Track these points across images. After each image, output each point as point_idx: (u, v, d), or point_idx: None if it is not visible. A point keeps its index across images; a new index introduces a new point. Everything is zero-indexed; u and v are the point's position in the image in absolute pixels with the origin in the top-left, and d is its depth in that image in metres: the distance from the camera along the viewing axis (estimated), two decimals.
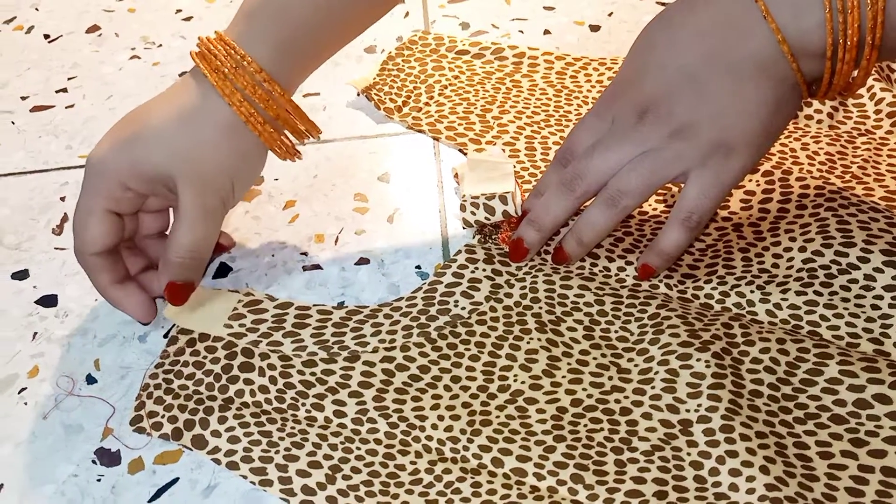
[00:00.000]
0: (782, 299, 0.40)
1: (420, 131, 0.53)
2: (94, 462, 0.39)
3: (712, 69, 0.38)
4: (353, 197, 0.50)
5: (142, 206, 0.43)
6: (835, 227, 0.41)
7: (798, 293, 0.40)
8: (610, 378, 0.39)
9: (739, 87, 0.37)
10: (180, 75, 0.60)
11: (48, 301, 0.46)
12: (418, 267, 0.46)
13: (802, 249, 0.42)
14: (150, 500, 0.38)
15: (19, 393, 0.42)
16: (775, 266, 0.42)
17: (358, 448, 0.38)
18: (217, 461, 0.38)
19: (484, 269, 0.44)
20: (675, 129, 0.38)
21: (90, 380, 0.42)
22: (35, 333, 0.45)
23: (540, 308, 0.42)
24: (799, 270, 0.41)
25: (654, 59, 0.39)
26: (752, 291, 0.41)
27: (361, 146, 0.53)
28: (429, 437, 0.38)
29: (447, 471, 0.37)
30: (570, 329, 0.41)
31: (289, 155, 0.43)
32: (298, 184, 0.51)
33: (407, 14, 0.63)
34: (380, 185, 0.51)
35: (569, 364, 0.40)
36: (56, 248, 0.49)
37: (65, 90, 0.60)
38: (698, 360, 0.38)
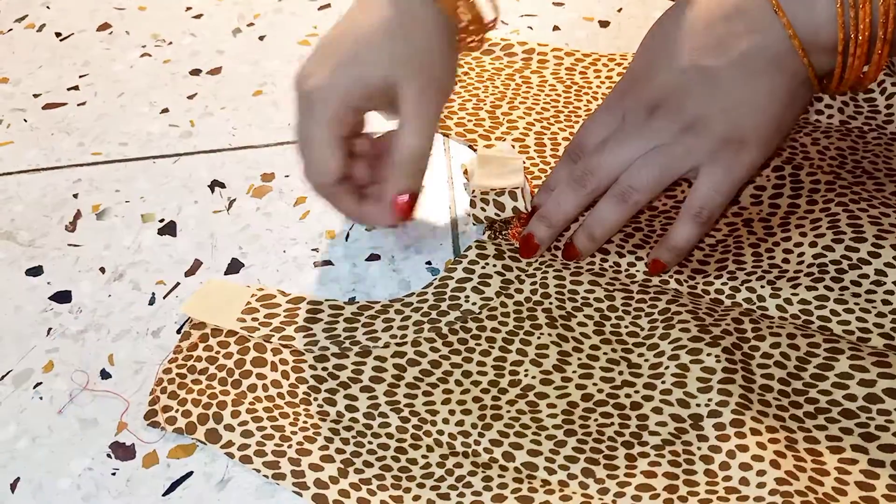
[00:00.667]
0: (793, 294, 0.40)
1: None
2: (108, 456, 0.40)
3: (723, 64, 0.38)
4: None
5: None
6: (845, 223, 0.41)
7: (808, 288, 0.40)
8: (620, 373, 0.39)
9: (750, 81, 0.37)
10: (191, 72, 0.60)
11: (62, 297, 0.47)
12: (429, 263, 0.46)
13: (813, 245, 0.42)
14: (164, 494, 0.38)
15: (34, 388, 0.42)
16: (786, 261, 0.42)
17: (370, 442, 0.38)
18: (230, 455, 0.39)
19: (494, 265, 0.44)
20: (685, 124, 0.38)
21: (104, 375, 0.43)
22: (49, 329, 0.45)
23: (550, 304, 0.42)
24: (809, 266, 0.41)
25: (663, 54, 0.39)
26: (762, 287, 0.41)
27: None
28: (440, 432, 0.38)
29: (458, 465, 0.37)
30: (581, 324, 0.41)
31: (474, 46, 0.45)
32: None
33: None
34: None
35: (579, 359, 0.40)
36: (69, 245, 0.49)
37: (76, 88, 0.60)
38: (709, 354, 0.38)
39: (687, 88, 0.38)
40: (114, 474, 0.39)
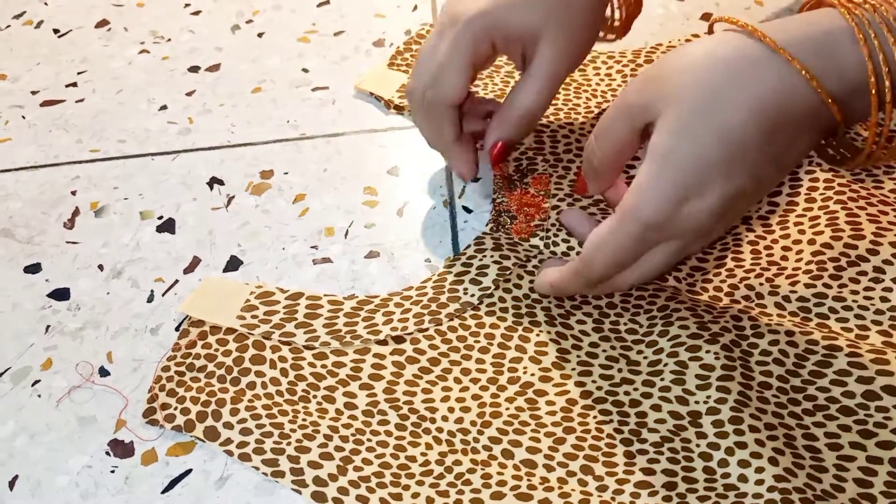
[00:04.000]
0: (791, 292, 0.40)
1: None
2: (107, 454, 0.39)
3: (776, 170, 0.35)
4: (362, 190, 0.50)
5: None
6: (844, 220, 0.41)
7: (807, 285, 0.40)
8: (619, 370, 0.39)
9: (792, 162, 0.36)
10: (190, 69, 0.60)
11: (61, 294, 0.47)
12: (428, 260, 0.46)
13: (812, 242, 0.42)
14: (163, 492, 0.38)
15: (33, 385, 0.42)
16: (784, 258, 0.42)
17: (369, 440, 0.38)
18: (229, 452, 0.39)
19: (492, 256, 0.44)
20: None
21: (103, 372, 0.43)
22: (48, 326, 0.45)
23: (549, 301, 0.42)
24: (808, 263, 0.41)
25: (714, 177, 0.34)
26: (760, 284, 0.41)
27: (371, 140, 0.53)
28: (439, 429, 0.38)
29: (458, 462, 0.37)
30: (580, 322, 0.41)
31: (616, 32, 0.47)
32: (308, 177, 0.51)
33: (416, 7, 0.63)
34: (389, 178, 0.51)
35: (578, 356, 0.40)
36: (67, 242, 0.49)
37: (75, 85, 0.60)
38: (707, 351, 0.38)
39: (737, 200, 0.35)
40: (112, 472, 0.39)
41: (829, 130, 0.34)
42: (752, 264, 0.42)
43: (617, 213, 0.35)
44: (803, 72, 0.32)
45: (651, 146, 0.34)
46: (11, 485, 0.39)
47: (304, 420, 0.39)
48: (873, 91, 0.32)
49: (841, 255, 0.40)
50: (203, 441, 0.39)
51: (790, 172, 0.45)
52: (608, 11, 0.47)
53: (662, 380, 0.38)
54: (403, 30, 0.61)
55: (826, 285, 0.40)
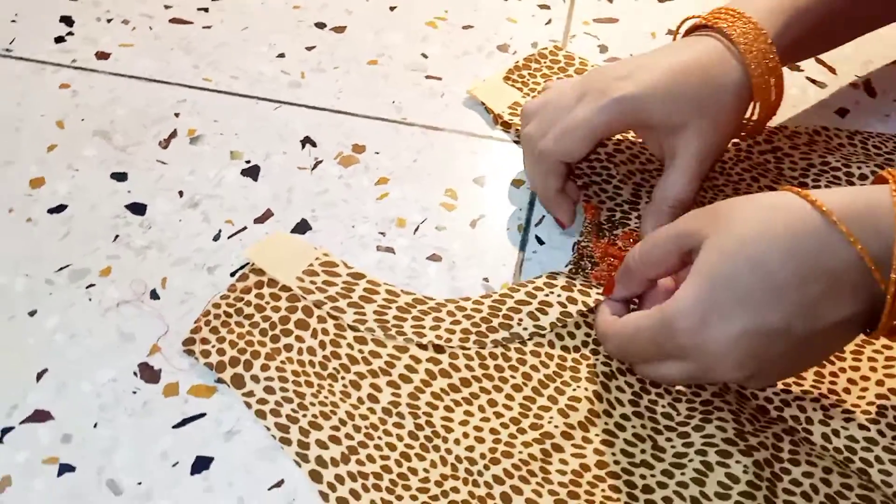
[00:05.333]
0: (843, 427, 0.38)
1: None
2: (134, 374, 0.41)
3: (813, 329, 0.34)
4: (444, 191, 0.50)
5: None
6: None
7: (861, 426, 0.38)
8: (643, 451, 0.38)
9: (829, 345, 0.36)
10: (316, 24, 0.61)
11: (137, 209, 0.48)
12: (486, 279, 0.46)
13: (880, 383, 0.39)
14: (174, 426, 0.39)
15: (87, 288, 0.44)
16: (847, 391, 0.40)
17: (379, 438, 0.39)
18: (248, 405, 0.39)
19: (559, 296, 0.43)
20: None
21: (154, 295, 0.44)
22: (117, 236, 0.47)
23: (597, 359, 0.41)
24: (869, 403, 0.39)
25: (739, 304, 0.34)
26: (814, 410, 0.39)
27: (467, 143, 0.53)
28: (448, 451, 0.38)
29: (455, 490, 0.37)
30: (619, 389, 0.40)
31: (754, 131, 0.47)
32: (397, 163, 0.51)
33: (549, 21, 0.62)
34: (473, 186, 0.50)
35: (606, 423, 0.39)
36: (158, 161, 0.51)
37: (206, 10, 0.61)
38: (738, 462, 0.36)
39: (767, 348, 0.34)
40: (134, 393, 0.40)
41: (871, 304, 0.34)
42: (811, 385, 0.40)
43: (653, 311, 0.36)
44: (843, 228, 0.33)
45: (695, 262, 0.36)
46: (39, 377, 0.40)
47: (325, 397, 0.40)
48: None
49: None
50: (228, 386, 0.40)
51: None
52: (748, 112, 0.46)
53: (683, 474, 0.37)
54: (531, 41, 0.60)
55: (880, 433, 0.38)
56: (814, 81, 0.57)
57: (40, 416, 0.39)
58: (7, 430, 0.39)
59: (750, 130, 0.47)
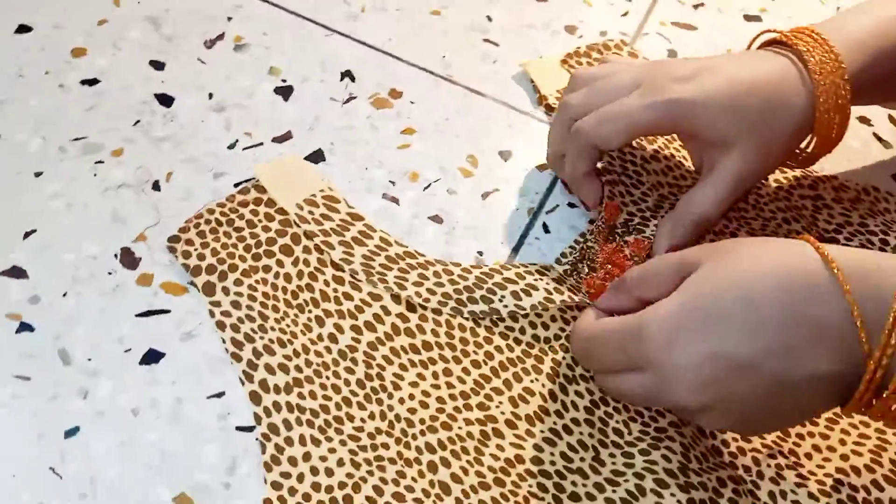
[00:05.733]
0: (792, 491, 0.36)
1: None
2: (115, 256, 0.41)
3: (791, 379, 0.32)
4: (466, 156, 0.49)
5: None
6: (890, 458, 0.37)
7: (811, 496, 0.36)
8: (582, 459, 0.37)
9: (804, 403, 0.34)
10: None
11: (165, 100, 0.49)
12: (480, 253, 0.45)
13: (844, 458, 0.37)
14: (137, 315, 0.40)
15: (95, 163, 0.45)
16: (808, 456, 0.38)
17: (327, 378, 0.38)
18: (211, 313, 0.40)
19: (546, 286, 0.42)
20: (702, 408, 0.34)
21: (155, 186, 0.44)
22: (138, 121, 0.47)
23: (563, 358, 0.40)
24: (827, 475, 0.37)
25: (715, 333, 0.33)
26: (768, 465, 0.37)
27: (504, 115, 0.52)
28: (390, 407, 0.38)
29: (385, 446, 0.37)
30: (578, 394, 0.39)
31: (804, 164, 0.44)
32: (428, 118, 0.51)
33: (626, 14, 0.60)
34: (497, 159, 0.49)
35: (554, 423, 0.38)
36: (198, 59, 0.51)
37: None
38: (672, 494, 0.35)
39: (733, 381, 0.33)
40: (110, 274, 0.41)
41: (850, 369, 0.32)
42: (773, 441, 0.38)
43: (629, 317, 0.35)
44: (840, 277, 0.32)
45: (686, 281, 0.34)
46: (26, 235, 0.41)
47: (287, 326, 0.40)
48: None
49: (863, 488, 0.36)
50: (198, 291, 0.40)
51: None
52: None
53: (615, 492, 0.36)
54: (600, 29, 0.58)
55: None
56: (880, 139, 0.54)
57: (16, 272, 0.40)
58: None
59: (800, 163, 0.44)
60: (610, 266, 0.44)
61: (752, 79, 0.40)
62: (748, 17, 0.61)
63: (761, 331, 0.32)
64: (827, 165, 0.52)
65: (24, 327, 0.39)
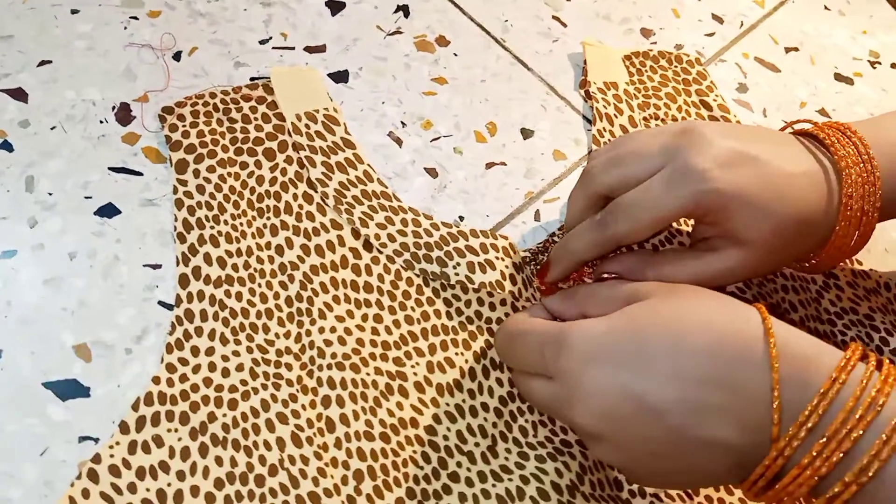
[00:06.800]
0: None
1: (595, 143, 0.48)
2: (112, 108, 0.42)
3: (690, 438, 0.30)
4: (486, 122, 0.48)
5: None
6: None
7: None
8: (477, 444, 0.36)
9: (695, 467, 0.31)
10: None
11: None
12: (461, 218, 0.44)
13: None
14: (110, 168, 0.40)
15: (129, 17, 0.45)
16: None
17: (259, 285, 0.38)
18: (175, 189, 0.40)
19: (506, 268, 0.40)
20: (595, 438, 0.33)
21: (176, 56, 0.45)
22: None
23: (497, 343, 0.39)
24: None
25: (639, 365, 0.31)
26: None
27: (542, 94, 0.50)
28: (307, 332, 0.37)
29: (289, 366, 0.36)
30: (498, 382, 0.38)
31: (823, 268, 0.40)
32: (465, 73, 0.49)
33: (712, 34, 0.57)
34: (516, 134, 0.48)
35: (463, 401, 0.37)
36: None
37: None
38: None
39: (630, 419, 0.31)
40: (101, 122, 0.42)
41: (751, 449, 0.30)
42: (678, 494, 0.36)
43: (558, 324, 0.34)
44: (773, 353, 0.30)
45: (628, 307, 0.33)
46: (41, 64, 0.42)
47: (240, 224, 0.39)
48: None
49: None
50: (170, 166, 0.41)
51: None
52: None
53: (494, 486, 0.35)
54: (677, 41, 0.55)
55: None
56: None
57: (18, 93, 0.42)
58: None
59: (807, 270, 0.40)
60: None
61: (787, 183, 0.36)
62: (839, 77, 0.57)
63: (678, 382, 0.30)
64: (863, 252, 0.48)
65: (5, 145, 0.40)
